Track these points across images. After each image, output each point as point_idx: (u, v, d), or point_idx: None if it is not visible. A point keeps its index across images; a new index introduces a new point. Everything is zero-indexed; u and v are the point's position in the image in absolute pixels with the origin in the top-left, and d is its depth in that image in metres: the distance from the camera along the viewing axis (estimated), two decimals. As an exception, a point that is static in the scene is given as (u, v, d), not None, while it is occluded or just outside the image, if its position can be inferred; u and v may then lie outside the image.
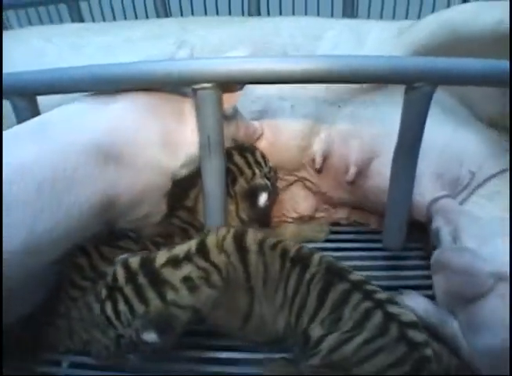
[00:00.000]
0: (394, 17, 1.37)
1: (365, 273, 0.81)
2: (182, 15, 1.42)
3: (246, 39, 0.93)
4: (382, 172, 0.80)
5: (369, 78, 0.64)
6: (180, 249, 0.61)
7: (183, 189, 0.77)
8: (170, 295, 0.57)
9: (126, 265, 0.59)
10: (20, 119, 0.68)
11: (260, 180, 0.75)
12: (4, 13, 1.29)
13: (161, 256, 0.60)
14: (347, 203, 0.94)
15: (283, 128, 0.87)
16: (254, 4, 1.29)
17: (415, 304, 0.67)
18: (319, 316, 0.58)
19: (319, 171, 0.89)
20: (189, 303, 0.58)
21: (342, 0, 1.29)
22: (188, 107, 0.69)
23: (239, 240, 0.62)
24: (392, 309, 0.57)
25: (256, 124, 0.84)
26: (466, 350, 0.61)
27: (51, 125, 0.61)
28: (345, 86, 0.84)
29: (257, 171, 0.76)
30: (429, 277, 0.69)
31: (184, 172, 0.72)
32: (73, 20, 1.28)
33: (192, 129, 0.69)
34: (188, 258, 0.60)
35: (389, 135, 0.71)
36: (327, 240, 0.92)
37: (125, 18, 1.45)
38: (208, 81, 0.62)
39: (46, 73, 0.66)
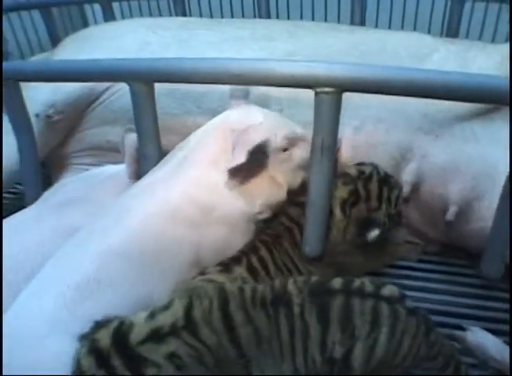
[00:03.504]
0: (402, 27, 1.35)
1: (446, 297, 0.80)
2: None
3: (351, 51, 0.91)
4: (484, 217, 0.75)
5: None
6: (163, 320, 0.51)
7: (300, 184, 0.74)
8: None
9: (93, 346, 0.49)
10: (137, 104, 0.69)
11: (381, 216, 0.71)
12: (109, 5, 1.35)
13: (139, 329, 0.50)
14: (437, 239, 0.89)
15: (375, 151, 0.83)
16: (264, 5, 1.28)
17: (483, 341, 0.64)
18: (331, 339, 0.54)
19: (405, 200, 0.83)
20: None
21: (350, 7, 1.26)
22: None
23: (224, 310, 0.54)
24: (384, 292, 0.56)
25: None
26: None
27: (131, 202, 0.66)
28: (444, 115, 0.79)
29: (383, 207, 0.71)
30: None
31: (265, 215, 0.71)
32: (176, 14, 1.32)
33: (269, 177, 0.69)
34: (174, 332, 0.51)
35: (492, 177, 0.65)
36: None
37: (222, 16, 1.48)
38: (331, 86, 0.60)
39: (166, 61, 0.67)
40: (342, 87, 0.60)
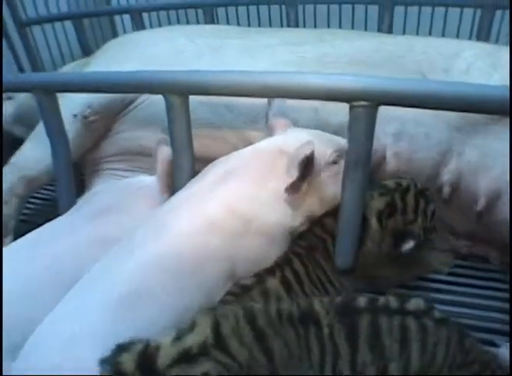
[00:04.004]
0: (430, 33, 1.36)
1: (478, 312, 0.79)
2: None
3: (380, 53, 0.91)
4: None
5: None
6: (191, 341, 0.49)
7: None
8: None
9: (116, 370, 0.46)
10: (171, 115, 0.70)
11: (417, 229, 0.71)
12: (139, 15, 1.38)
13: (166, 351, 0.48)
14: (469, 234, 0.89)
15: (415, 156, 0.84)
16: (293, 16, 1.27)
17: None
18: (361, 358, 0.53)
19: (445, 201, 0.84)
20: None
21: (377, 17, 1.26)
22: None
23: (253, 324, 0.53)
24: (409, 306, 0.55)
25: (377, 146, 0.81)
26: None
27: (168, 216, 0.66)
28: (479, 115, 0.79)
29: (419, 219, 0.71)
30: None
31: (304, 227, 0.72)
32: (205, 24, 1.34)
33: (317, 190, 0.70)
34: (204, 352, 0.49)
35: None
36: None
37: (249, 26, 1.49)
38: (367, 100, 0.60)
39: (202, 74, 0.68)
40: (378, 101, 0.60)
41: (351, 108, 0.61)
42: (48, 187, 1.13)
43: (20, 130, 1.20)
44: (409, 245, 0.69)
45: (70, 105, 0.89)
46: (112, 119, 0.99)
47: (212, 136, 0.91)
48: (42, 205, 1.13)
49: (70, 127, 0.85)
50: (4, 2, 1.46)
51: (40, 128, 0.96)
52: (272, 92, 0.64)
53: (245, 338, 0.51)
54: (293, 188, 0.67)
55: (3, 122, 1.20)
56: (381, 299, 0.56)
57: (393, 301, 0.56)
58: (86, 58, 1.21)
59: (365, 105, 0.60)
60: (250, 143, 0.86)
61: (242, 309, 0.54)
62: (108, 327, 0.56)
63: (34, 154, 0.96)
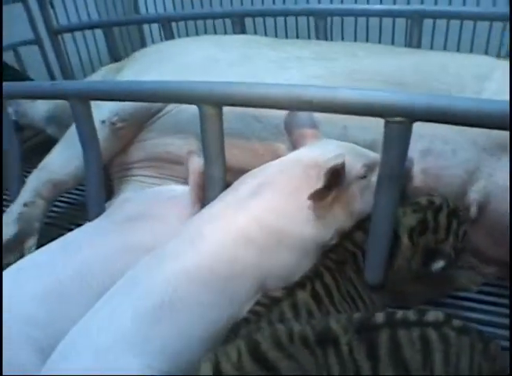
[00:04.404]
0: (458, 50, 1.35)
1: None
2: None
3: (413, 73, 0.91)
4: None
5: None
6: None
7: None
8: None
9: None
10: (205, 126, 0.71)
11: (448, 248, 0.70)
12: (168, 24, 1.40)
13: None
14: (498, 259, 0.86)
15: (442, 174, 0.82)
16: (322, 28, 1.26)
17: None
18: (383, 374, 0.52)
19: (472, 221, 0.82)
20: None
21: (404, 31, 1.25)
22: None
23: (255, 351, 0.53)
24: (428, 318, 0.54)
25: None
26: None
27: (201, 228, 0.67)
28: (505, 135, 0.78)
29: (451, 239, 0.71)
30: None
31: (334, 242, 0.72)
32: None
33: (346, 204, 0.70)
34: None
35: None
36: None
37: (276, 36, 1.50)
38: (403, 116, 0.60)
39: (237, 86, 0.69)
40: (414, 117, 0.60)
41: (386, 124, 0.61)
42: (73, 191, 1.15)
43: (53, 130, 1.25)
44: (439, 264, 0.68)
45: (99, 111, 0.91)
46: (139, 126, 1.01)
47: (239, 146, 0.91)
48: (67, 209, 1.15)
49: (98, 132, 0.87)
50: (38, 11, 1.50)
51: (70, 133, 0.99)
52: (308, 106, 0.64)
53: (247, 368, 0.51)
54: (318, 196, 0.66)
55: (36, 120, 1.24)
56: (399, 313, 0.55)
57: (411, 315, 0.55)
58: (115, 63, 1.24)
59: (400, 121, 0.60)
60: (277, 155, 0.86)
61: (244, 340, 0.54)
62: (140, 336, 0.57)
63: (62, 158, 0.99)
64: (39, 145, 1.38)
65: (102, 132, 0.92)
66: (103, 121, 0.96)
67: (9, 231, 0.90)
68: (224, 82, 0.71)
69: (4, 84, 0.98)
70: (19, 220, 0.91)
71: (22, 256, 0.89)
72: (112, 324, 0.58)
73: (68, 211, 1.11)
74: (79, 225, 1.03)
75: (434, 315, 0.55)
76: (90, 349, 0.56)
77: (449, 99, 0.61)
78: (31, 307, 0.65)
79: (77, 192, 1.18)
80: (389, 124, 0.61)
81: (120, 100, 0.83)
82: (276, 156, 0.88)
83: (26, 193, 0.95)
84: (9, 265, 0.82)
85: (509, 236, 0.75)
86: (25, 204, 0.93)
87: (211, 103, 0.70)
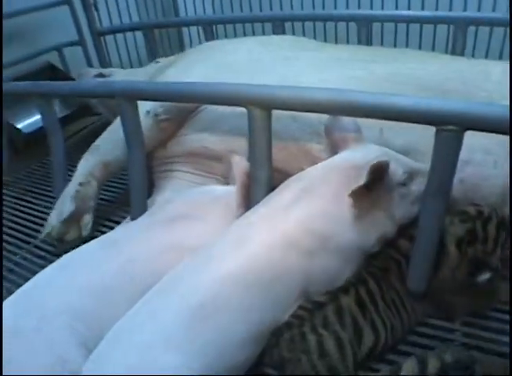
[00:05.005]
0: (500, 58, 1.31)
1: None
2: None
3: (456, 80, 0.90)
4: None
5: None
6: None
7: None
8: None
9: None
10: (253, 128, 0.72)
11: (495, 260, 0.69)
12: (210, 27, 1.42)
13: None
14: None
15: (482, 184, 0.81)
16: (364, 33, 1.24)
17: None
18: None
19: None
20: None
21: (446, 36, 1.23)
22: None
23: None
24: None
25: None
26: None
27: (247, 230, 0.68)
28: None
29: (498, 251, 0.70)
30: None
31: (376, 249, 0.71)
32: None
33: (386, 211, 0.70)
34: None
35: None
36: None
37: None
38: (454, 124, 0.59)
39: (287, 90, 0.69)
40: (465, 126, 0.59)
41: (437, 132, 0.60)
42: (108, 188, 1.20)
43: (103, 109, 1.33)
44: (485, 276, 0.67)
45: (145, 102, 0.92)
46: (181, 120, 1.03)
47: (274, 145, 0.92)
48: (103, 205, 1.17)
49: (142, 123, 0.89)
50: (82, 13, 1.54)
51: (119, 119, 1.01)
52: (360, 112, 0.64)
53: None
54: (359, 194, 0.66)
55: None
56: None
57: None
58: (170, 57, 1.29)
59: (452, 129, 0.59)
60: (311, 155, 0.87)
61: None
62: (182, 334, 0.58)
63: (111, 141, 1.03)
64: (79, 143, 1.42)
65: (145, 123, 0.95)
66: (148, 112, 0.99)
67: (67, 208, 0.96)
68: (274, 86, 0.71)
69: (54, 82, 1.01)
70: (76, 198, 0.98)
71: (80, 233, 0.98)
72: (155, 322, 0.59)
73: (103, 208, 1.13)
74: (115, 222, 1.06)
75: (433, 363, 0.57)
76: (133, 347, 0.57)
77: (503, 108, 0.60)
78: (78, 301, 0.66)
79: (113, 189, 1.21)
80: (441, 132, 0.60)
81: (168, 101, 0.85)
82: (310, 156, 0.88)
83: (80, 175, 1.01)
84: (68, 241, 0.90)
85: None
86: (80, 184, 0.99)
87: (260, 105, 0.70)
